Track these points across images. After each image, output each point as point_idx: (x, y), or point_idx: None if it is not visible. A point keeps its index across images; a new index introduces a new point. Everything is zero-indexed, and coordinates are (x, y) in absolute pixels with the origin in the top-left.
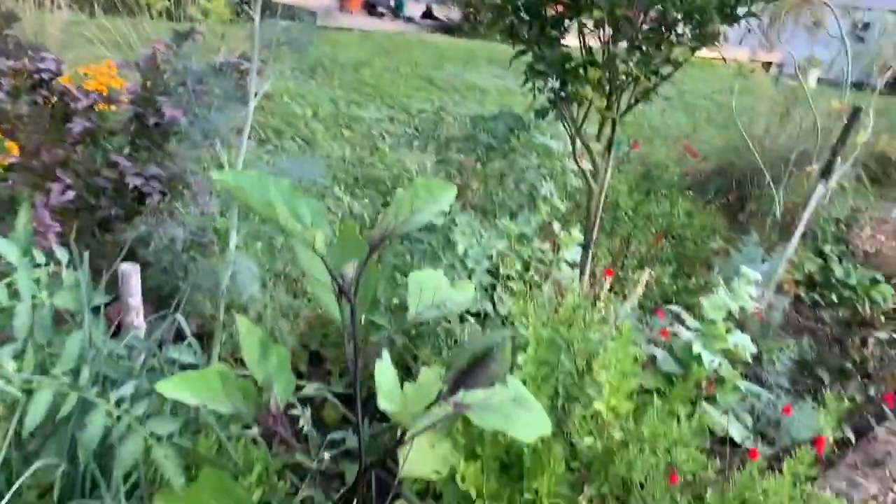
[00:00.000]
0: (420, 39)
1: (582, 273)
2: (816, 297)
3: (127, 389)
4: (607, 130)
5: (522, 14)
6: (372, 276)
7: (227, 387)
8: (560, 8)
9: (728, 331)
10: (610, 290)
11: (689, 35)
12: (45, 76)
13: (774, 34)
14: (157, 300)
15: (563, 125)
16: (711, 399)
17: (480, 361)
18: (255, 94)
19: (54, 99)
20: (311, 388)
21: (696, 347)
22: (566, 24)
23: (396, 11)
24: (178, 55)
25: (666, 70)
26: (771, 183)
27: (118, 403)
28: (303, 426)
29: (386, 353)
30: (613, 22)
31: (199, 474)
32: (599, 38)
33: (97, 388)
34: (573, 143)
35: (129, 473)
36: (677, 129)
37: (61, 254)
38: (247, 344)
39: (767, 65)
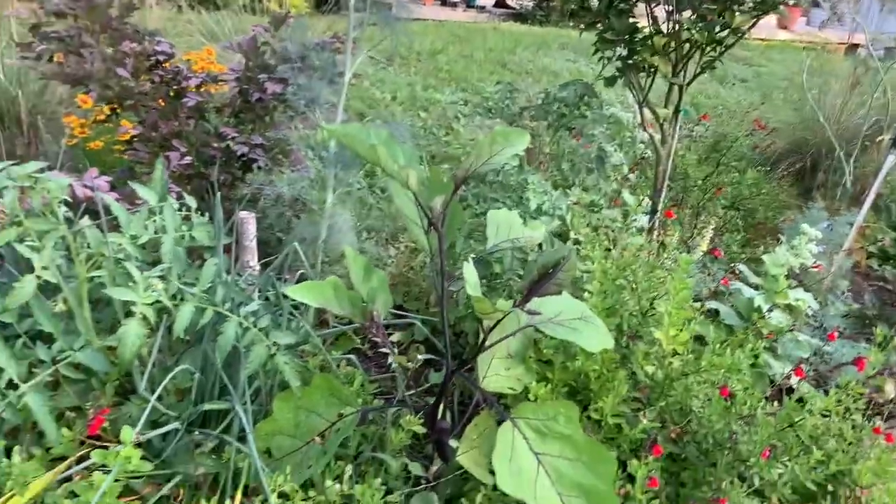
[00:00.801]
0: (493, 27)
1: (650, 233)
2: (889, 268)
3: (252, 307)
4: (674, 97)
5: None
6: (456, 211)
7: (338, 295)
8: None
9: (789, 287)
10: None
11: (751, 3)
12: (161, 58)
13: (851, 13)
14: (263, 254)
15: (631, 92)
16: (771, 351)
17: (549, 272)
18: (349, 69)
19: (168, 78)
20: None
21: (758, 301)
22: None
23: (469, 1)
24: (275, 37)
25: (729, 39)
26: (842, 156)
27: (246, 318)
28: (391, 363)
29: (470, 261)
30: None
31: (312, 379)
32: (665, 8)
33: (228, 306)
34: (641, 110)
35: (252, 380)
36: (751, 107)
37: (190, 201)
38: (353, 266)
39: (852, 47)
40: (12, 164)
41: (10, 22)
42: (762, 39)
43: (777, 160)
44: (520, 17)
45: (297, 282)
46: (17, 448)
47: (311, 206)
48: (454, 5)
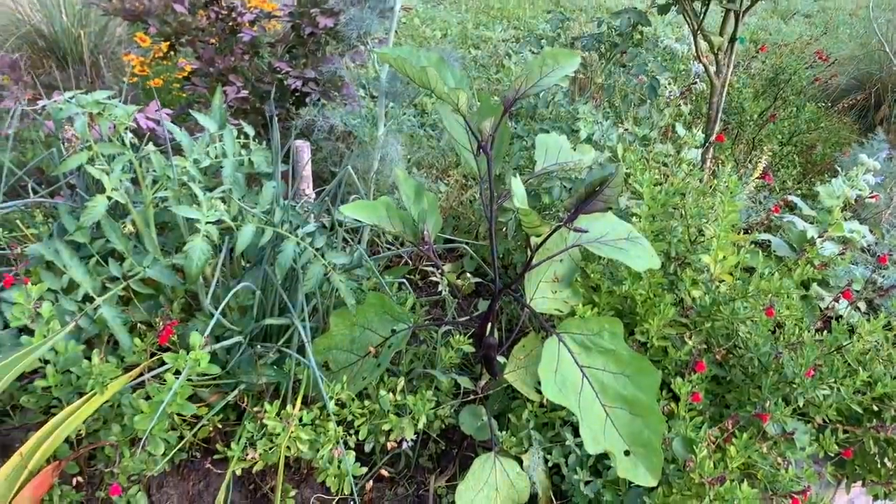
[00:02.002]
0: None
1: (702, 164)
2: None
3: (310, 228)
4: (730, 26)
5: None
6: (505, 133)
7: (391, 214)
8: None
9: (844, 218)
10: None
11: None
12: None
13: None
14: (317, 186)
15: (685, 19)
16: (823, 283)
17: (596, 190)
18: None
19: (224, 14)
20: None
21: (811, 232)
22: None
23: None
24: None
25: None
26: None
27: (303, 239)
28: (441, 290)
29: (517, 175)
30: None
31: (367, 297)
32: None
33: (286, 227)
34: (695, 39)
35: (309, 299)
36: (814, 40)
37: (248, 129)
38: (404, 188)
39: None
40: (80, 93)
41: None
42: None
43: (838, 95)
44: None
45: None
46: (95, 352)
47: (363, 139)
48: None
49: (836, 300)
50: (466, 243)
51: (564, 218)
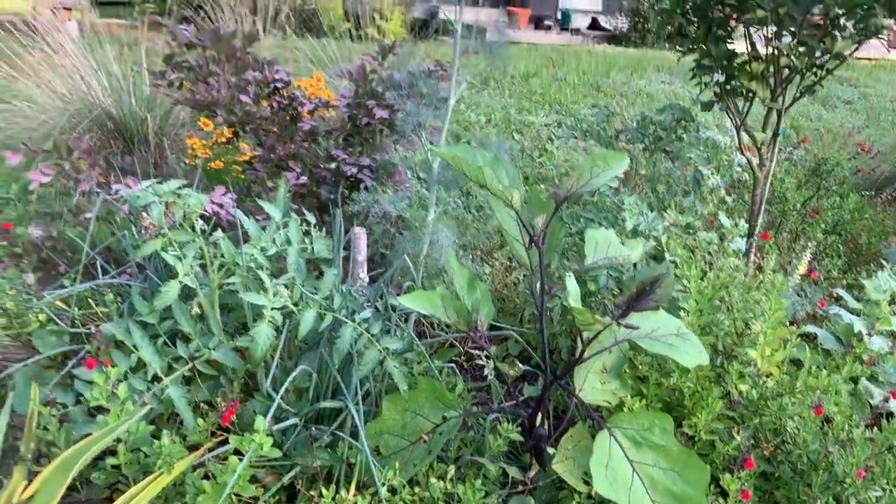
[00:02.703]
0: (587, 50)
1: (748, 257)
2: None
3: (366, 314)
4: (772, 121)
5: (690, 16)
6: (556, 229)
7: (446, 305)
8: (726, 10)
9: (892, 312)
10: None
11: (853, 29)
12: (279, 85)
13: None
14: (368, 268)
15: (729, 116)
16: (873, 378)
17: (647, 289)
18: (454, 96)
19: (286, 103)
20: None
21: (858, 326)
22: (732, 24)
23: (563, 24)
24: (382, 65)
25: (831, 64)
26: None
27: (360, 324)
28: (487, 374)
29: (571, 276)
30: (777, 19)
31: (418, 383)
32: (764, 34)
33: (344, 313)
34: (738, 133)
35: (363, 383)
36: (856, 131)
37: (310, 217)
38: (458, 278)
39: None
40: (157, 182)
41: (141, 54)
42: (869, 59)
43: (882, 185)
44: (614, 38)
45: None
46: (165, 432)
47: (413, 223)
48: (548, 28)
49: (887, 400)
50: (513, 328)
51: (613, 311)
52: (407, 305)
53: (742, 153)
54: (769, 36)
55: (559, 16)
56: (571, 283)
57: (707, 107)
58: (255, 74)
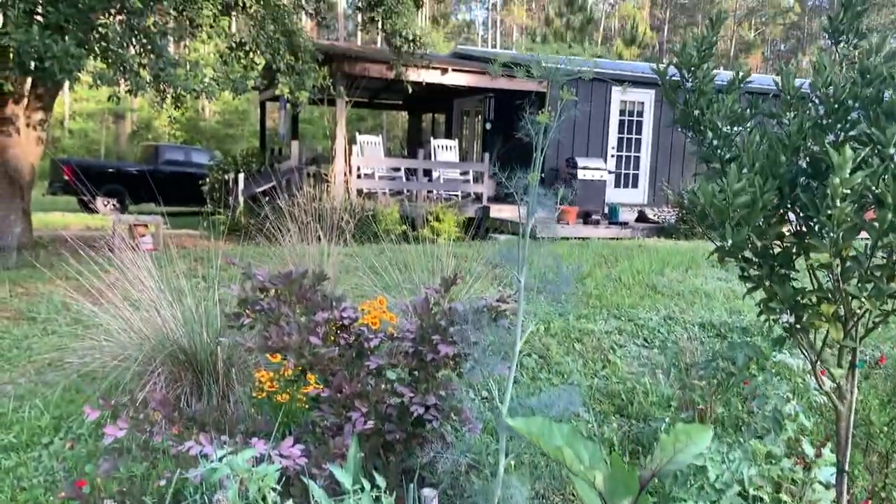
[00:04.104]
0: (638, 245)
1: (839, 497)
2: None
3: None
4: (848, 355)
5: (752, 258)
6: None
7: None
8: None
9: None
10: None
11: None
12: (346, 322)
13: None
14: None
15: (802, 352)
16: None
17: None
18: (520, 340)
19: (353, 340)
20: None
21: None
22: (794, 260)
23: (611, 217)
24: (444, 297)
25: None
26: None
27: None
28: None
29: None
30: (841, 262)
31: None
32: (829, 274)
33: None
34: (814, 370)
35: None
36: None
37: (380, 481)
38: None
39: None
40: (230, 453)
41: (215, 299)
42: None
43: None
44: (663, 230)
45: None
46: None
47: (484, 470)
48: (597, 222)
49: None
50: None
51: None
52: None
53: (820, 387)
54: (836, 276)
55: (606, 210)
56: None
57: (778, 342)
58: (324, 315)
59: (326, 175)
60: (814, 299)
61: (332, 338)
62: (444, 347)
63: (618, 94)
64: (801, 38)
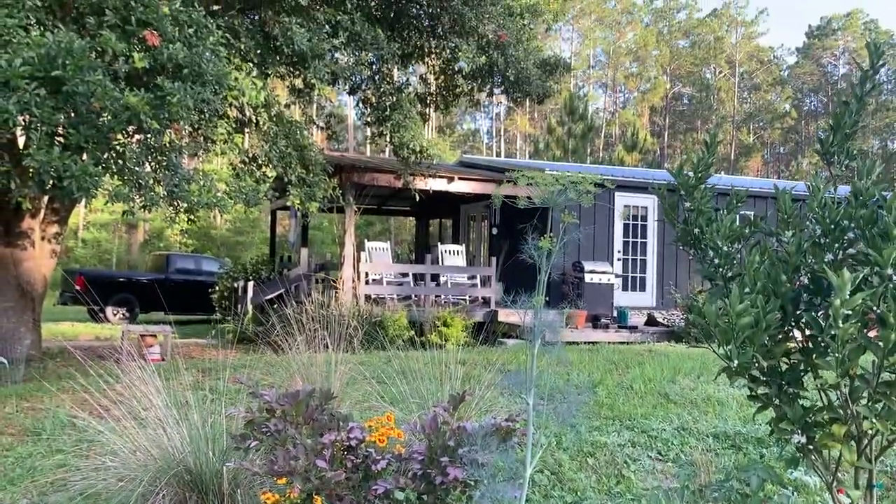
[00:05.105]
0: (648, 349)
1: None
2: None
3: None
4: (863, 476)
5: (759, 377)
6: None
7: None
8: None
9: None
10: None
11: None
12: (353, 443)
13: None
14: None
15: (817, 473)
16: None
17: None
18: (530, 465)
19: (359, 462)
20: None
21: None
22: (802, 378)
23: (620, 321)
24: (453, 415)
25: None
26: None
27: None
28: None
29: None
30: (849, 377)
31: None
32: (838, 393)
33: None
34: (831, 492)
35: None
36: None
37: None
38: None
39: None
40: None
41: (222, 417)
42: None
43: None
44: (673, 334)
45: None
46: None
47: None
48: (606, 326)
49: None
50: None
51: None
52: None
53: None
54: (845, 398)
55: (616, 313)
56: None
57: (791, 463)
58: (331, 437)
59: (335, 281)
60: (825, 418)
61: (340, 462)
62: (452, 470)
63: (621, 199)
64: (799, 142)
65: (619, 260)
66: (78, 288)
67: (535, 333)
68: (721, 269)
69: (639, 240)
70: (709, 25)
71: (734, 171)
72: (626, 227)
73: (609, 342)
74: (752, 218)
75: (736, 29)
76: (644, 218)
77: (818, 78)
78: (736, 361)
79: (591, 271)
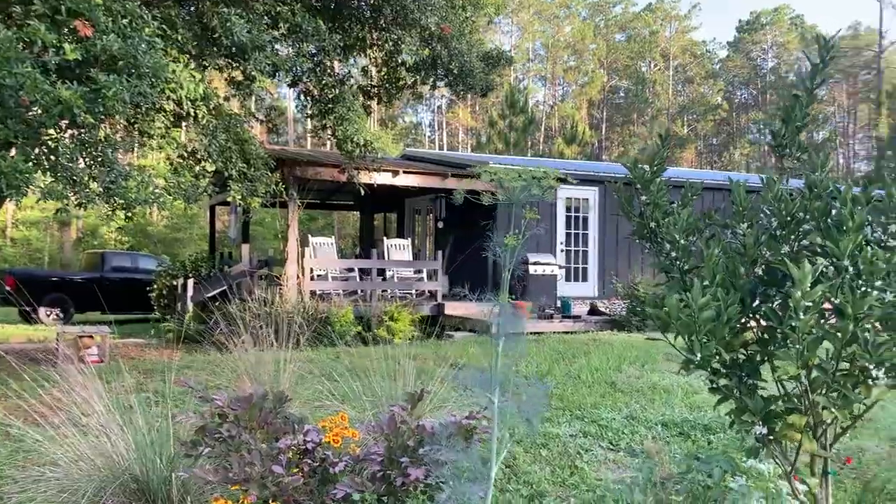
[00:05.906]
0: (592, 339)
1: None
2: None
3: None
4: (819, 462)
5: (720, 369)
6: None
7: None
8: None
9: None
10: None
11: (886, 379)
12: (310, 446)
13: None
14: None
15: (776, 462)
16: None
17: None
18: (495, 463)
19: (317, 465)
20: None
21: None
22: (759, 369)
23: (564, 311)
24: (412, 415)
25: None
26: None
27: None
28: None
29: None
30: (808, 368)
31: None
32: (799, 387)
33: None
34: (790, 480)
35: None
36: None
37: None
38: None
39: None
40: None
41: (168, 422)
42: None
43: None
44: (615, 323)
45: None
46: None
47: None
48: (550, 316)
49: None
50: None
51: None
52: None
53: (796, 497)
54: (805, 388)
55: (559, 304)
56: None
57: (752, 453)
58: (287, 442)
59: (279, 278)
60: (783, 408)
61: (296, 467)
62: (413, 471)
63: (564, 192)
64: (731, 133)
65: (561, 251)
66: (8, 288)
67: (501, 330)
68: (678, 262)
69: (580, 231)
70: (644, 20)
71: (669, 163)
72: (568, 219)
73: (554, 332)
74: (707, 211)
75: (670, 23)
76: (586, 209)
77: (748, 71)
78: (699, 355)
79: (536, 263)
